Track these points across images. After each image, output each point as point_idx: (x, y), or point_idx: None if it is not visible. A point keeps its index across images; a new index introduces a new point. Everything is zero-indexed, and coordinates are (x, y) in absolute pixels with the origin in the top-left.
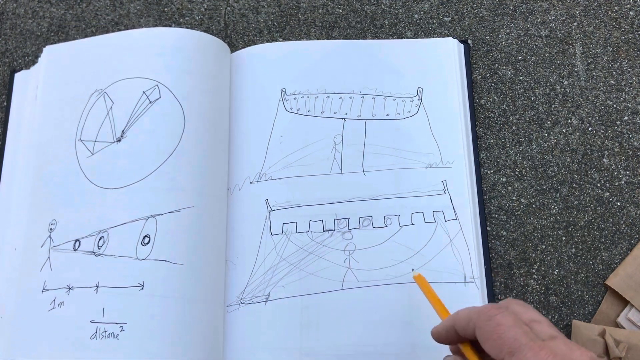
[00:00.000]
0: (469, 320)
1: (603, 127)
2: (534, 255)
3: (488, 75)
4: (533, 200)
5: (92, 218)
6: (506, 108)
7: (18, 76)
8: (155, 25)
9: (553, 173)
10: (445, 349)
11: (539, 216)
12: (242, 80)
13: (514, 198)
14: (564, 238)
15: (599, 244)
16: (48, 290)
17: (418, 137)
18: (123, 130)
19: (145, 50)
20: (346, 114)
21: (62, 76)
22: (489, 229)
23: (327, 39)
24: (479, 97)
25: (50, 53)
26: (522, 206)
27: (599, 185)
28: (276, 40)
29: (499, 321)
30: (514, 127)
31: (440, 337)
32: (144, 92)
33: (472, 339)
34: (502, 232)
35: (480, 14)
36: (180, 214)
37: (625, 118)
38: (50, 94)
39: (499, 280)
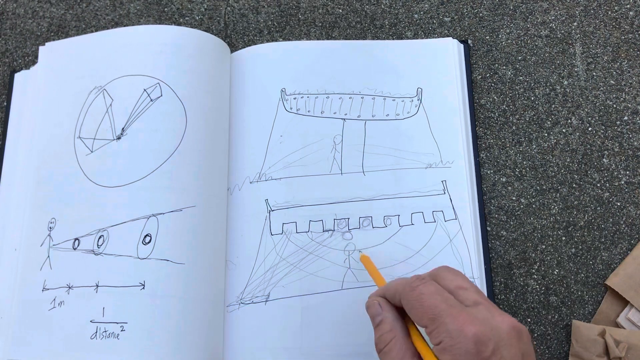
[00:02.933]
0: (396, 292)
1: (603, 127)
2: (534, 255)
3: (488, 75)
4: (533, 200)
5: (91, 217)
6: (506, 108)
7: (18, 76)
8: None
9: (553, 173)
10: None
11: (539, 216)
12: (242, 80)
13: (514, 198)
14: (564, 238)
15: (599, 244)
16: (48, 289)
17: (418, 137)
18: (123, 128)
19: (146, 47)
20: (346, 114)
21: (60, 73)
22: (489, 229)
23: (327, 39)
24: (479, 97)
25: (49, 50)
26: (522, 206)
27: (599, 185)
28: (276, 40)
29: (421, 290)
30: (514, 127)
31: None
32: (144, 90)
33: (401, 306)
34: (502, 232)
35: (480, 14)
36: (182, 213)
37: (625, 118)
38: (49, 91)
39: (499, 280)
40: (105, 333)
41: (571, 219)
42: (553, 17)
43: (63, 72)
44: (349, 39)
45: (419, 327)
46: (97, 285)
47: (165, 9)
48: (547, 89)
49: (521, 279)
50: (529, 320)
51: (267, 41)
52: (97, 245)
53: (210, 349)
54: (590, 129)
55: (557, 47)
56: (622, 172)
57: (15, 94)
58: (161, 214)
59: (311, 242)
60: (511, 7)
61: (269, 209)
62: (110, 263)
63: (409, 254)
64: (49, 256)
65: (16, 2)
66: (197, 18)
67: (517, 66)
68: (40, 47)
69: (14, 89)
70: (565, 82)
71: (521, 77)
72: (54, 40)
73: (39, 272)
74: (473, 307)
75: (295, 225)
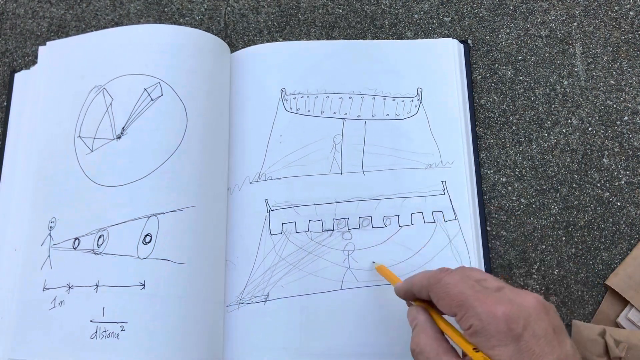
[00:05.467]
0: (422, 287)
1: (603, 127)
2: (534, 255)
3: (488, 75)
4: (533, 200)
5: (91, 216)
6: (506, 108)
7: (18, 76)
8: None
9: (553, 173)
10: None
11: (539, 216)
12: (242, 80)
13: (514, 198)
14: (564, 238)
15: (599, 244)
16: (48, 289)
17: (418, 138)
18: (123, 127)
19: (146, 47)
20: (346, 114)
21: (60, 72)
22: (489, 229)
23: (327, 39)
24: (479, 97)
25: (49, 50)
26: (522, 206)
27: (599, 185)
28: (276, 40)
29: (447, 281)
30: (514, 127)
31: (400, 295)
32: (145, 89)
33: (428, 299)
34: (502, 232)
35: (480, 14)
36: (182, 213)
37: (625, 118)
38: (49, 91)
39: None
40: (105, 333)
41: (571, 219)
42: (553, 17)
43: (63, 71)
44: (349, 39)
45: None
46: (97, 285)
47: (165, 9)
48: (547, 89)
49: (521, 279)
50: None
51: (267, 41)
52: (97, 244)
53: (210, 349)
54: (590, 129)
55: (557, 47)
56: (622, 172)
57: (15, 94)
58: (161, 213)
59: (311, 241)
60: (511, 7)
61: (269, 208)
62: (111, 263)
63: (408, 254)
64: (49, 256)
65: (16, 2)
66: (197, 18)
67: (517, 66)
68: (40, 47)
69: (14, 89)
70: (565, 82)
71: (521, 77)
72: (54, 40)
73: (39, 272)
74: (497, 291)
75: (295, 225)
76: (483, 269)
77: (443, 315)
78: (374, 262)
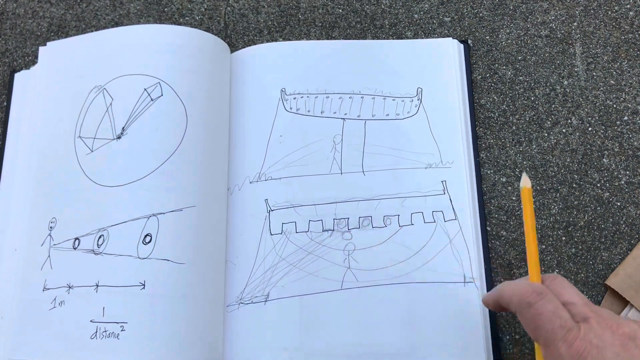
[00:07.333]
0: (510, 302)
1: (603, 127)
2: None
3: (488, 75)
4: (533, 200)
5: (91, 216)
6: (506, 108)
7: (18, 76)
8: None
9: (553, 173)
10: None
11: (539, 216)
12: (242, 80)
13: (514, 198)
14: (564, 238)
15: (599, 244)
16: (48, 289)
17: (418, 138)
18: (123, 128)
19: (146, 47)
20: (346, 114)
21: (60, 72)
22: (489, 229)
23: (327, 39)
24: (479, 97)
25: (49, 50)
26: (522, 206)
27: (599, 185)
28: (276, 40)
29: (538, 310)
30: (514, 127)
31: (488, 306)
32: (145, 89)
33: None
34: (502, 232)
35: (480, 14)
36: (182, 213)
37: (625, 118)
38: (49, 91)
39: (499, 280)
40: (105, 333)
41: (571, 219)
42: (553, 17)
43: (63, 71)
44: (349, 39)
45: None
46: (97, 285)
47: (165, 9)
48: (547, 89)
49: None
50: None
51: (267, 41)
52: (97, 244)
53: (210, 349)
54: (590, 129)
55: (557, 47)
56: (622, 172)
57: (15, 94)
58: (161, 213)
59: (311, 242)
60: (511, 7)
61: (269, 208)
62: (111, 263)
63: (408, 254)
64: (49, 256)
65: (16, 2)
66: (197, 18)
67: (517, 66)
68: (41, 47)
69: (14, 89)
70: (565, 82)
71: (521, 77)
72: (54, 40)
73: (39, 272)
74: (584, 322)
75: (295, 225)
76: (483, 269)
77: None
78: (524, 173)
